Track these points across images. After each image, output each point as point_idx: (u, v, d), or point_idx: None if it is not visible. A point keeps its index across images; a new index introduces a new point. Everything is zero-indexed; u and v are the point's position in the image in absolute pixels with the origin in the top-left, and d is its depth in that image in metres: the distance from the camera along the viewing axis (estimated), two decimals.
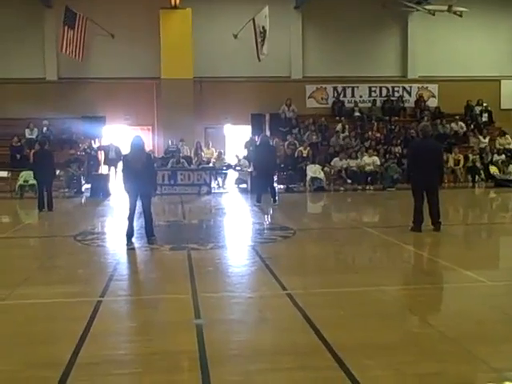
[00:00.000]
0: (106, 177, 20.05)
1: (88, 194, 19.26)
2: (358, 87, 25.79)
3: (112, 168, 21.18)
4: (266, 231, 11.59)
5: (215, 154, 22.31)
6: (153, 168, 10.54)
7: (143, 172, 9.47)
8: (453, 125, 24.45)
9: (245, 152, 22.29)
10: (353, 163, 21.28)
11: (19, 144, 21.69)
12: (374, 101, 25.57)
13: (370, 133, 23.47)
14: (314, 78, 25.41)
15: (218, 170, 21.54)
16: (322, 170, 20.79)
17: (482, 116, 25.40)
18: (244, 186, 20.60)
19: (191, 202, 17.31)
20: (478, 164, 22.28)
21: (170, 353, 4.65)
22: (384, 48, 25.93)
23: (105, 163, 21.81)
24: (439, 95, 25.99)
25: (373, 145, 22.58)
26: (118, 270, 7.92)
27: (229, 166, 21.75)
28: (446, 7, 23.39)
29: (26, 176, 18.45)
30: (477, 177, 22.04)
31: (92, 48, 23.70)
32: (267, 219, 13.68)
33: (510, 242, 10.79)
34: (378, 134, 23.62)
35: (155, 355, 4.56)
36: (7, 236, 11.09)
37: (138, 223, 10.37)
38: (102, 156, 22.16)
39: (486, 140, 23.96)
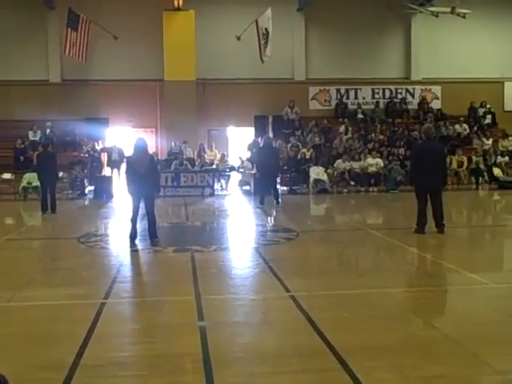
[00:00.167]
0: (109, 179, 20.08)
1: (91, 196, 19.29)
2: (361, 89, 25.77)
3: (115, 170, 21.21)
4: (269, 233, 11.58)
5: (218, 156, 22.31)
6: (156, 170, 10.55)
7: (147, 174, 9.47)
8: (456, 127, 24.42)
9: (248, 154, 22.29)
10: (356, 165, 21.26)
11: (23, 146, 21.71)
12: (377, 103, 25.56)
13: (373, 135, 23.44)
14: (317, 80, 25.41)
15: (221, 171, 21.55)
16: (325, 171, 20.75)
17: (485, 118, 25.36)
18: (247, 187, 20.60)
19: (194, 204, 17.32)
20: (482, 166, 22.21)
21: (174, 355, 4.64)
22: (387, 50, 25.91)
23: (108, 165, 21.84)
24: (442, 97, 25.95)
25: (376, 147, 22.55)
26: (122, 272, 7.93)
27: (232, 168, 21.76)
28: (449, 9, 23.37)
29: (30, 178, 18.50)
30: (480, 179, 21.96)
31: (95, 50, 23.72)
32: (270, 221, 13.67)
33: None
34: (381, 136, 23.59)
35: (159, 357, 4.56)
36: (11, 238, 11.11)
37: (142, 225, 10.37)
38: (105, 158, 22.19)
39: (490, 142, 23.91)
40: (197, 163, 21.50)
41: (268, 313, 5.83)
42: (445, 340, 4.88)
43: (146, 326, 5.51)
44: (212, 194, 19.54)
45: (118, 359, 4.57)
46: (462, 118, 24.79)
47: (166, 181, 19.20)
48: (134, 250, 9.26)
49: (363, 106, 25.41)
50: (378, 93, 25.89)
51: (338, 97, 25.66)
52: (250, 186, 20.27)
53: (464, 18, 23.74)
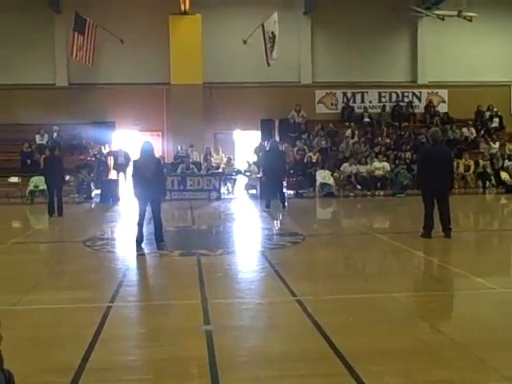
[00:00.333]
0: (115, 182, 20.13)
1: (98, 200, 19.34)
2: (367, 92, 25.76)
3: (121, 173, 21.25)
4: (275, 237, 11.56)
5: (225, 160, 22.33)
6: (162, 174, 10.57)
7: (153, 178, 9.48)
8: (463, 130, 24.36)
9: (254, 157, 22.30)
10: (362, 169, 21.22)
11: (30, 150, 21.78)
12: (384, 106, 25.56)
13: (379, 138, 23.40)
14: (323, 84, 25.40)
15: (228, 175, 21.57)
16: (332, 175, 20.74)
17: (492, 121, 25.29)
18: (253, 191, 20.61)
19: (201, 208, 17.33)
20: (489, 170, 22.13)
21: (180, 359, 4.64)
22: (394, 53, 25.89)
23: (114, 168, 21.89)
24: (449, 100, 25.90)
25: (382, 150, 22.51)
26: (128, 275, 7.93)
27: (238, 172, 21.76)
28: (455, 12, 23.31)
29: (37, 181, 18.55)
30: (487, 183, 21.88)
31: (102, 54, 23.80)
32: (276, 225, 13.67)
33: None
34: (388, 140, 23.54)
35: (165, 361, 4.56)
36: (18, 241, 11.14)
37: (148, 229, 10.37)
38: (111, 161, 22.24)
39: (497, 145, 23.85)
40: (203, 167, 21.52)
41: (274, 317, 5.82)
42: (451, 344, 4.85)
43: (152, 329, 5.50)
44: (218, 198, 19.55)
45: (124, 363, 4.57)
46: (469, 122, 24.72)
47: (172, 184, 19.23)
48: (140, 254, 9.27)
49: (370, 110, 25.41)
50: (384, 96, 25.86)
51: (345, 100, 25.65)
52: (256, 189, 20.28)
53: (470, 21, 23.68)
